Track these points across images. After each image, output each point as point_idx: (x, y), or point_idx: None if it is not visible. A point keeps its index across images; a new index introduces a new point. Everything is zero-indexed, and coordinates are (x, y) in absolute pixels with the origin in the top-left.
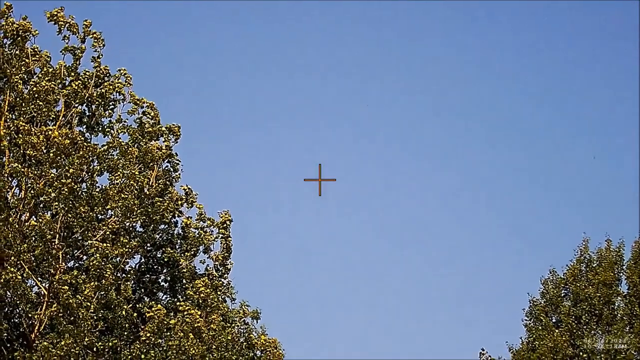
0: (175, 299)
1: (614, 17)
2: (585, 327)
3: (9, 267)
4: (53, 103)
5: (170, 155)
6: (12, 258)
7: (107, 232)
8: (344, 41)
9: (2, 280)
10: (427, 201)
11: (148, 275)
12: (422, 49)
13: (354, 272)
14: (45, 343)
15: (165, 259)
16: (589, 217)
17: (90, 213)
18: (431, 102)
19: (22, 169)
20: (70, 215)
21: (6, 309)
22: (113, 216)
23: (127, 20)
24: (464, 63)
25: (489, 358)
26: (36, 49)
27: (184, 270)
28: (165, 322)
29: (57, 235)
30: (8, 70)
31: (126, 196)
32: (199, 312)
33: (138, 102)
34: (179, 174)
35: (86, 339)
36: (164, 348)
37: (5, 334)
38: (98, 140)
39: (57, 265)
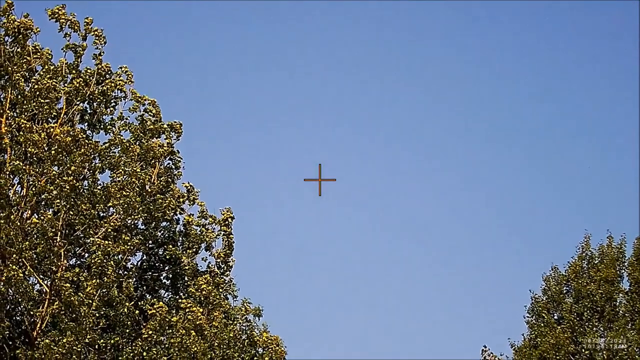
0: (177, 297)
1: (614, 17)
2: (587, 324)
3: (10, 265)
4: (54, 100)
5: (172, 152)
6: (14, 256)
7: (109, 230)
8: (344, 41)
9: (3, 278)
10: (427, 200)
11: (150, 273)
12: (422, 48)
13: (354, 272)
14: (47, 341)
15: (167, 257)
16: (590, 213)
17: (92, 210)
18: (431, 101)
19: (24, 167)
20: (71, 213)
21: (8, 307)
22: (115, 213)
23: (128, 17)
24: (464, 63)
25: (491, 355)
26: (38, 47)
27: (186, 268)
28: (167, 320)
29: (59, 233)
30: (9, 68)
31: (128, 193)
32: (201, 310)
33: (140, 99)
34: (181, 172)
35: (88, 337)
36: (166, 345)
37: (7, 332)
38: (100, 138)
39: (59, 263)
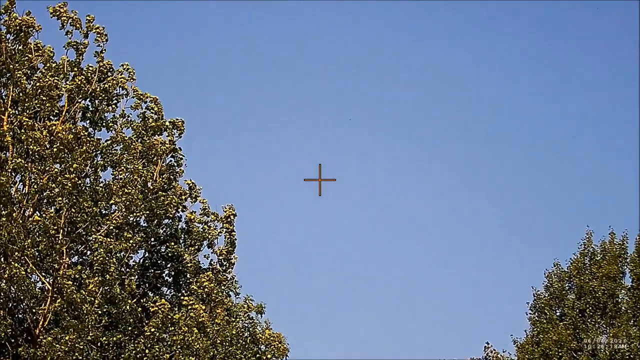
0: (180, 294)
1: (614, 17)
2: (589, 320)
3: (13, 263)
4: (56, 98)
5: (174, 149)
6: (16, 253)
7: (111, 227)
8: (344, 41)
9: (6, 276)
10: (427, 200)
11: (152, 270)
12: (422, 48)
13: (354, 272)
14: (49, 338)
15: (169, 254)
16: (592, 209)
17: (94, 208)
18: (431, 101)
19: (26, 165)
20: (74, 210)
21: (10, 305)
22: (117, 211)
23: (129, 15)
24: (464, 63)
25: (494, 352)
26: (39, 44)
27: (188, 265)
28: (170, 317)
29: (61, 231)
30: (11, 66)
31: (130, 191)
32: (203, 307)
33: (141, 97)
34: (183, 169)
35: (90, 334)
36: (169, 343)
37: (10, 330)
38: (101, 135)
39: (61, 261)
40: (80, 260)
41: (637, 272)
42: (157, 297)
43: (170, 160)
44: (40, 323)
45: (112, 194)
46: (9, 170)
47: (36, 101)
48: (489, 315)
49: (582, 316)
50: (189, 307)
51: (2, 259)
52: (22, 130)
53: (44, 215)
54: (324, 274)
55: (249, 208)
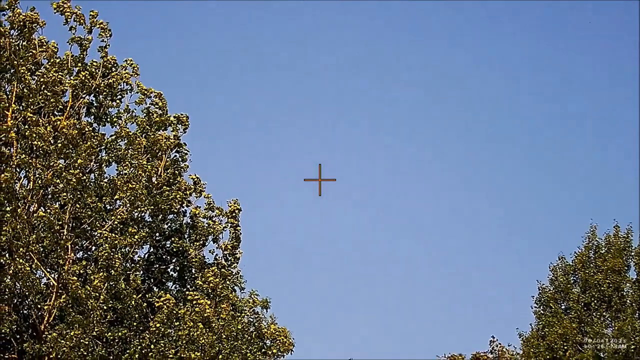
0: (185, 289)
1: (614, 17)
2: (594, 313)
3: (17, 259)
4: (60, 94)
5: (178, 145)
6: (21, 249)
7: (116, 223)
8: (344, 41)
9: (11, 272)
10: (428, 198)
11: (157, 265)
12: (422, 49)
13: (354, 272)
14: (54, 334)
15: (174, 249)
16: (596, 203)
17: (99, 203)
18: (431, 101)
19: (30, 160)
20: (78, 206)
21: (15, 301)
22: (121, 206)
23: (133, 11)
24: (464, 63)
25: (499, 346)
26: (43, 40)
27: (193, 260)
28: (175, 312)
29: (66, 226)
30: (15, 62)
31: (134, 186)
32: (209, 302)
33: (146, 92)
34: (187, 164)
35: (96, 330)
36: (174, 338)
37: (15, 326)
38: (106, 131)
39: (66, 256)
40: (85, 255)
41: None
42: (162, 292)
43: (175, 156)
44: (46, 319)
45: (116, 189)
46: (14, 166)
47: (40, 97)
48: (494, 309)
49: (587, 309)
50: (194, 302)
51: (7, 255)
52: (27, 126)
53: (48, 210)
54: (324, 274)
55: (249, 208)
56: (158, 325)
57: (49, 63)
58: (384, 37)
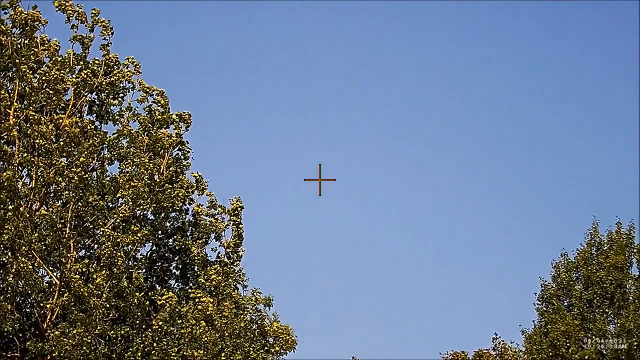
0: (187, 287)
1: (614, 17)
2: (597, 310)
3: (20, 257)
4: (62, 92)
5: (180, 142)
6: (23, 248)
7: (118, 221)
8: (344, 41)
9: (13, 270)
10: (428, 196)
11: (159, 263)
12: (423, 48)
13: (354, 272)
14: (57, 332)
15: (177, 247)
16: (598, 199)
17: (101, 201)
18: (431, 101)
19: (32, 159)
20: (80, 204)
21: (18, 299)
22: (123, 204)
23: (135, 9)
24: (465, 62)
25: (502, 342)
26: (45, 38)
27: (196, 258)
28: (177, 310)
29: (68, 224)
30: (17, 60)
31: (136, 184)
32: (211, 300)
33: (148, 90)
34: (189, 162)
35: (98, 328)
36: (177, 336)
37: (17, 324)
38: (108, 129)
39: (68, 255)
40: (88, 254)
41: None
42: (165, 290)
43: (177, 154)
44: (48, 317)
45: (118, 187)
46: (16, 164)
47: (42, 95)
48: (497, 307)
49: (590, 306)
50: (197, 300)
51: (9, 254)
52: (29, 124)
53: (50, 209)
54: (323, 274)
55: (249, 208)
56: (160, 323)
57: (51, 61)
58: (384, 37)
